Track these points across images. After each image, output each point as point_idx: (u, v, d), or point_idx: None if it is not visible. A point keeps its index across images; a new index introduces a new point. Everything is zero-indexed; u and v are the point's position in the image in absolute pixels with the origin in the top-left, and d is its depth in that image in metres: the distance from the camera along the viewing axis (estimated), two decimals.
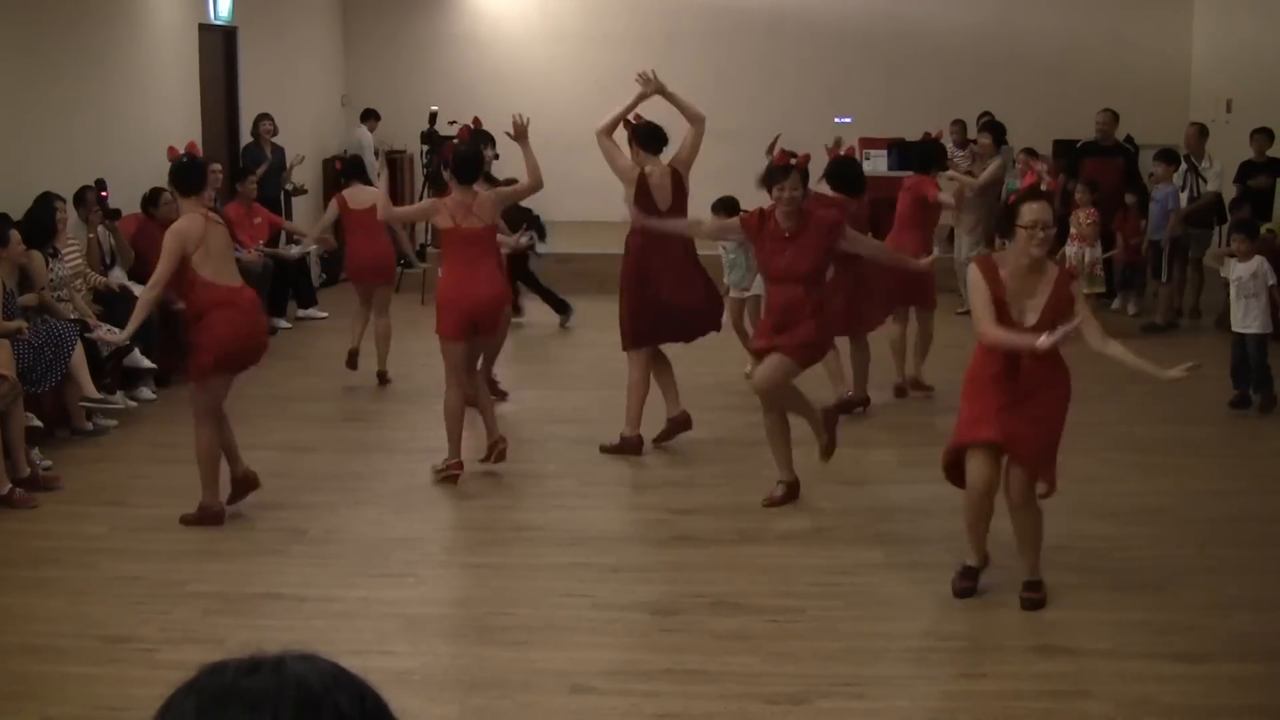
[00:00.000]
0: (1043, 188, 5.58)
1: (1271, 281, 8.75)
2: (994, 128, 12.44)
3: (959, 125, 13.66)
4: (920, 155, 9.66)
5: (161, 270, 6.31)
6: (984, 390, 5.31)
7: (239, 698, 1.10)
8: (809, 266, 6.56)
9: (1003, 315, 5.22)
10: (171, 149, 6.88)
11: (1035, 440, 5.27)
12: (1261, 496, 7.07)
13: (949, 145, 12.78)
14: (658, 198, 7.57)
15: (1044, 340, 5.00)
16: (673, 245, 7.55)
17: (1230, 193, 11.92)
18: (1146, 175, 12.50)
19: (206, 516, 6.43)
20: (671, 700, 4.61)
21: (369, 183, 10.29)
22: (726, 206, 8.72)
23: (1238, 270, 8.85)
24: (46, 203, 8.54)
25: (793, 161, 6.55)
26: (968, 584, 5.53)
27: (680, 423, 7.85)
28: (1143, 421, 8.52)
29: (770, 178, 6.55)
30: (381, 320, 9.73)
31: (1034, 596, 5.42)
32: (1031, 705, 4.62)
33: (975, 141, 12.89)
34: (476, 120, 8.39)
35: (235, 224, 10.92)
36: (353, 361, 9.68)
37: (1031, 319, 5.23)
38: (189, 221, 6.38)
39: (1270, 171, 11.72)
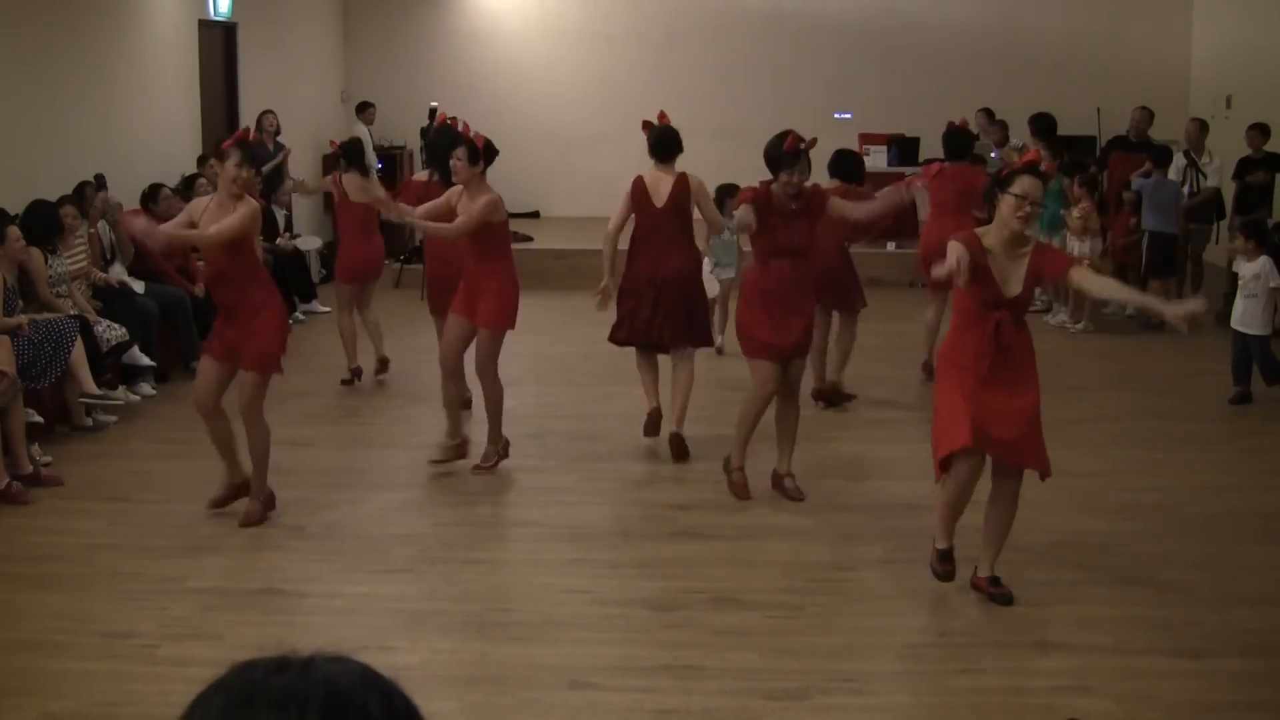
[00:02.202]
0: (1041, 168, 5.55)
1: (1274, 284, 8.73)
2: (1041, 121, 12.24)
3: (999, 125, 13.18)
4: (955, 143, 9.58)
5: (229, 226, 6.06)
6: (962, 383, 5.32)
7: (266, 696, 1.10)
8: (808, 240, 6.72)
9: (987, 281, 5.24)
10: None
11: (1019, 441, 5.30)
12: (1261, 492, 7.07)
13: (990, 146, 12.73)
14: (654, 195, 7.51)
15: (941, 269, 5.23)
16: (675, 253, 7.47)
17: (1230, 188, 11.92)
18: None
19: (270, 504, 6.48)
20: (671, 696, 4.61)
21: (366, 173, 10.04)
22: (730, 193, 8.76)
23: (1244, 269, 8.84)
24: (48, 208, 8.44)
25: (802, 147, 6.51)
26: (950, 566, 5.56)
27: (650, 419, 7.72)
28: (1143, 417, 8.52)
29: (782, 162, 6.51)
30: (370, 315, 9.55)
31: (1003, 592, 5.45)
32: (1032, 701, 4.62)
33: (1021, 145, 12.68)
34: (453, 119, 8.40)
35: None
36: (359, 375, 9.39)
37: (1015, 289, 5.28)
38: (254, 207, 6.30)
39: (1267, 167, 11.70)
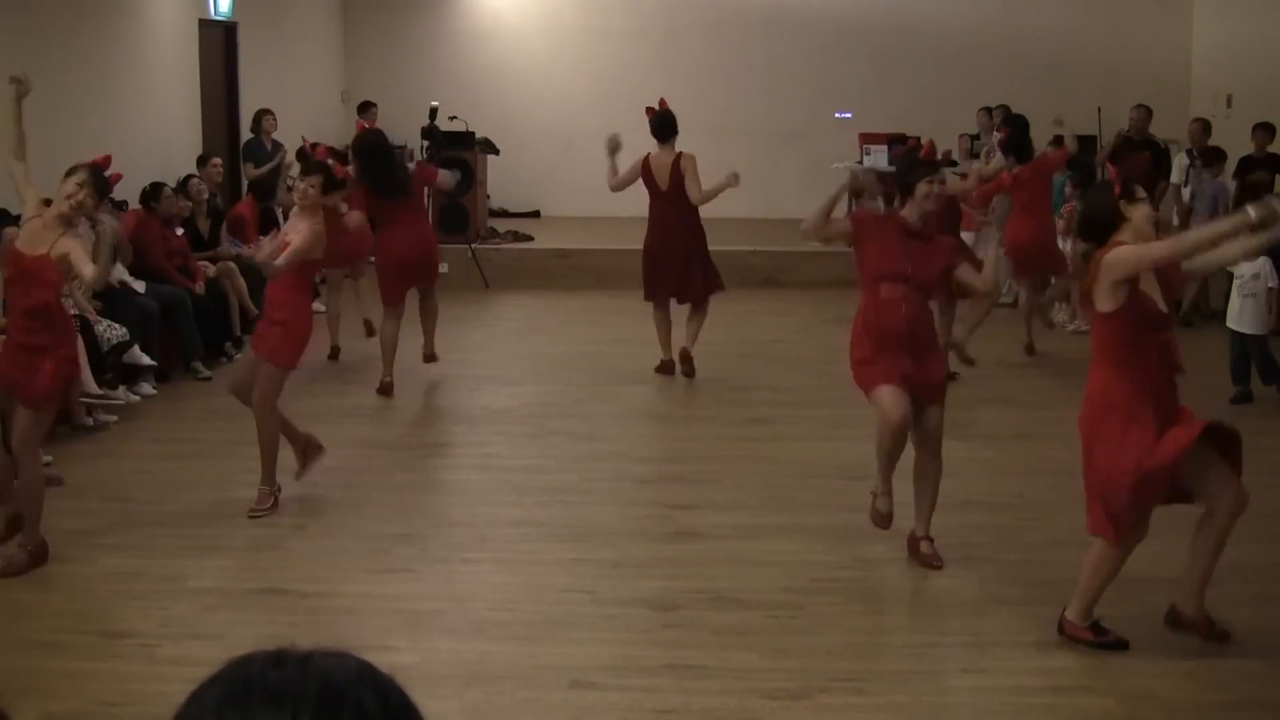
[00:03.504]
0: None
1: (1272, 284, 8.72)
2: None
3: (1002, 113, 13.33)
4: (1020, 145, 9.85)
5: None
6: (1139, 438, 4.94)
7: (262, 690, 1.10)
8: (933, 275, 5.73)
9: (1140, 300, 4.77)
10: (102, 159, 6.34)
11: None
12: (1261, 492, 7.02)
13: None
14: (658, 178, 8.98)
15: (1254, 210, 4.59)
16: (679, 230, 9.03)
17: (1230, 188, 11.91)
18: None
19: (40, 553, 5.81)
20: (671, 696, 4.61)
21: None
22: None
23: (1242, 268, 8.83)
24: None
25: (938, 156, 6.12)
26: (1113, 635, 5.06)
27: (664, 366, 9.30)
28: None
29: (919, 173, 5.68)
30: (335, 304, 10.21)
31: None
32: (1033, 700, 4.62)
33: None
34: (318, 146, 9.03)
35: (247, 223, 10.96)
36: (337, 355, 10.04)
37: (1157, 295, 4.89)
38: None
39: (1269, 167, 11.70)
